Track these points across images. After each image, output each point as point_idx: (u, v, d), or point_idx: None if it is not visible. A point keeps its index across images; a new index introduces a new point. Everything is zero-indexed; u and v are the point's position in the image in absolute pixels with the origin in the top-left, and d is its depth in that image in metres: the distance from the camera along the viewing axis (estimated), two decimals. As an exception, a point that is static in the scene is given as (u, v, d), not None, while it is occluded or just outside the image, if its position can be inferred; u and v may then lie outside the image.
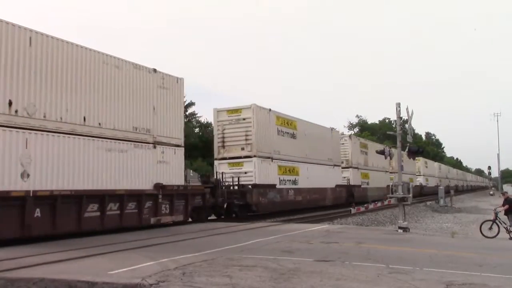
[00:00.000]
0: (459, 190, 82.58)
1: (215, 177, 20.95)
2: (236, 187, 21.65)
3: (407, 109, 17.17)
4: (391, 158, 24.71)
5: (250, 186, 21.78)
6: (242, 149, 22.54)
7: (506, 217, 16.97)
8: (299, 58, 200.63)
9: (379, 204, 19.45)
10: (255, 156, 22.23)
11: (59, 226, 12.18)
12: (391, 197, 16.74)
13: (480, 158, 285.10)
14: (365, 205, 19.91)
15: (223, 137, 23.16)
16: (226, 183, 21.26)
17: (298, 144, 26.82)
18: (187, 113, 47.08)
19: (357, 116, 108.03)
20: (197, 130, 50.61)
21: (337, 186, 31.80)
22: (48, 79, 12.50)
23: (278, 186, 23.93)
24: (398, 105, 16.73)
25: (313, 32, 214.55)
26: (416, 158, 50.90)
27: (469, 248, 11.67)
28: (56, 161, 12.42)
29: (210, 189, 18.88)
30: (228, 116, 23.26)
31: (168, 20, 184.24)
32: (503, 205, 17.10)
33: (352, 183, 35.16)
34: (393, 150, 20.57)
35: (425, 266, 8.17)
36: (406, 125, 17.75)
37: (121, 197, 14.15)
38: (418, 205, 37.88)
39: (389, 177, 43.58)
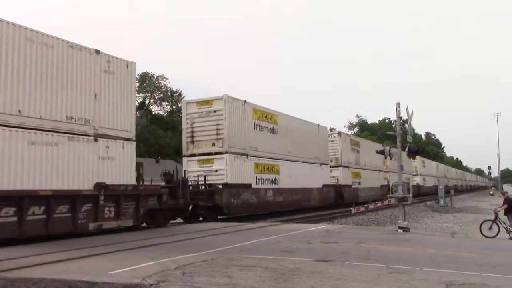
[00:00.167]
0: (458, 190, 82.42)
1: (177, 176, 18.54)
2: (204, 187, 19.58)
3: (407, 109, 17.22)
4: (391, 158, 24.69)
5: (220, 186, 19.70)
6: (213, 144, 20.34)
7: (506, 217, 16.99)
8: (299, 58, 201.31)
9: (379, 204, 19.48)
10: (226, 152, 20.07)
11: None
12: (391, 197, 16.76)
13: (480, 158, 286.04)
14: (365, 205, 19.92)
15: (192, 132, 20.87)
16: (195, 182, 19.26)
17: (279, 140, 24.54)
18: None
19: (357, 116, 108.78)
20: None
21: (324, 186, 29.66)
22: None
23: (254, 186, 21.72)
24: (398, 105, 16.75)
25: (313, 32, 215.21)
26: (413, 157, 50.18)
27: (469, 248, 11.68)
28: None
29: (170, 189, 16.62)
30: (198, 108, 20.93)
31: (168, 20, 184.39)
32: (503, 204, 17.12)
33: (341, 182, 32.95)
34: (393, 150, 20.57)
35: (425, 266, 8.17)
36: (406, 125, 17.75)
37: (47, 199, 11.85)
38: (418, 205, 37.87)
39: (383, 177, 41.73)
